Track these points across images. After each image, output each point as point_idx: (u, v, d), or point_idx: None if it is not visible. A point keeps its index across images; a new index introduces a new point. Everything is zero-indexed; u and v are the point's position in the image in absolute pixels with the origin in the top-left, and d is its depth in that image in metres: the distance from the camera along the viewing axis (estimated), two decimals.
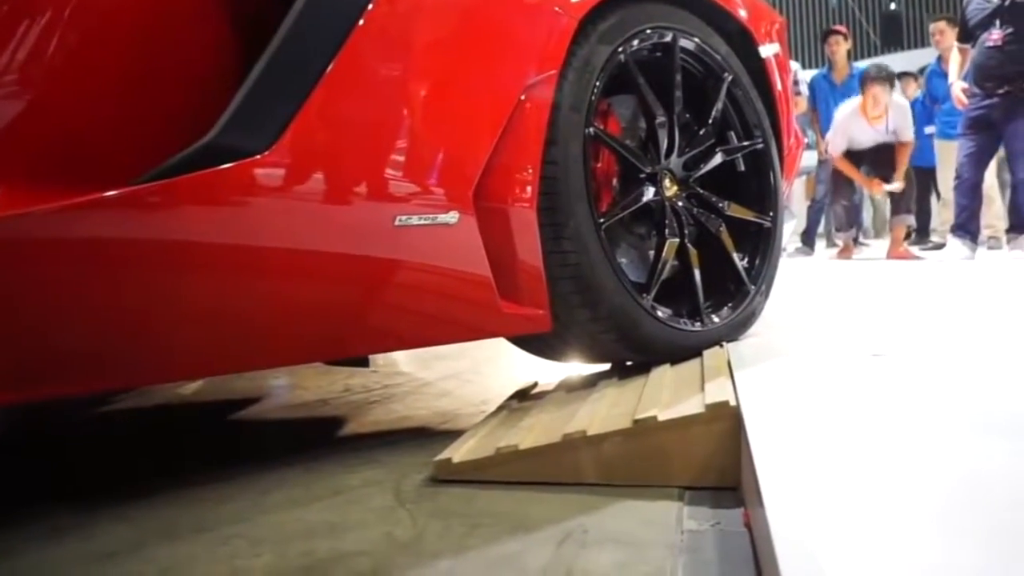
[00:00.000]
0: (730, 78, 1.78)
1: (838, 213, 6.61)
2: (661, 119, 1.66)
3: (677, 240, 1.63)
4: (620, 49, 1.56)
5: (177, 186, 1.07)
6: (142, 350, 1.13)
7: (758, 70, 1.93)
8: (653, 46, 1.66)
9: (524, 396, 1.60)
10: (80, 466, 1.59)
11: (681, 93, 1.69)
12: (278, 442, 1.67)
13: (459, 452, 1.25)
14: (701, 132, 1.76)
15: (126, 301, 1.09)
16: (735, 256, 1.76)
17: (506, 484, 1.20)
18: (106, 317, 1.09)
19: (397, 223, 1.24)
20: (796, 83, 6.64)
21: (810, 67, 10.36)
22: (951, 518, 0.74)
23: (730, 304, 1.74)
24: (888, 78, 6.00)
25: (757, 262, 1.83)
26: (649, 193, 1.62)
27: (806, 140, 8.30)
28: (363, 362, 1.50)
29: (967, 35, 5.36)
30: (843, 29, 7.14)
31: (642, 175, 1.63)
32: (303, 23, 1.16)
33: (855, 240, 7.11)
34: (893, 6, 14.39)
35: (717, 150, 1.78)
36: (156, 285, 1.10)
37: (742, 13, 1.89)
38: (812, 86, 7.19)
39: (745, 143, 1.84)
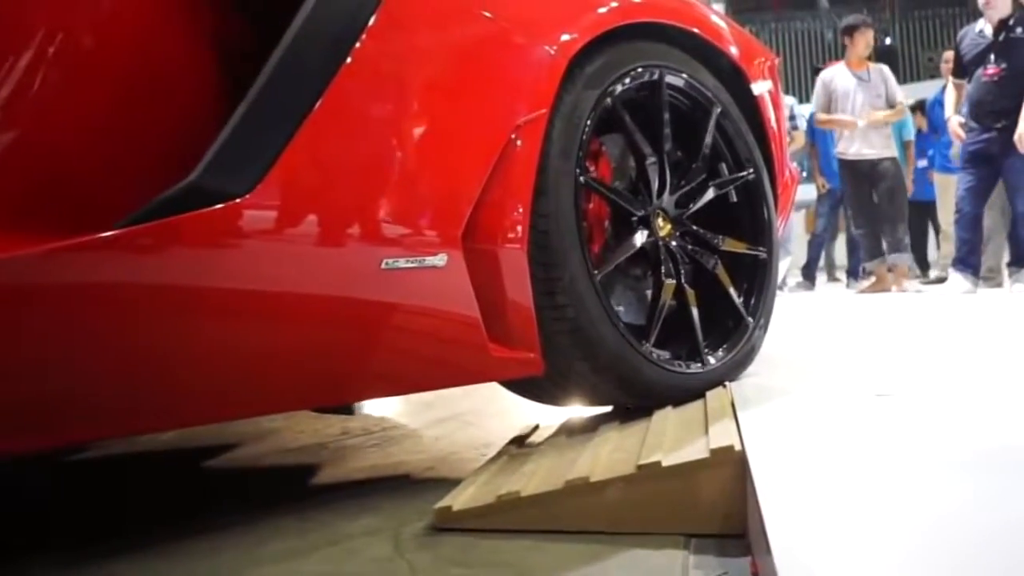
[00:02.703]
0: (719, 110, 1.75)
1: (863, 242, 6.28)
2: (651, 159, 1.64)
3: (673, 281, 1.60)
4: (609, 90, 1.54)
5: (158, 230, 1.05)
6: (122, 398, 1.10)
7: (751, 107, 1.91)
8: (640, 85, 1.63)
9: (524, 440, 1.57)
10: (64, 516, 1.56)
11: (670, 130, 1.67)
12: (274, 489, 1.64)
13: (459, 499, 1.23)
14: (692, 167, 1.73)
15: (106, 347, 1.06)
16: (732, 292, 1.73)
17: (507, 532, 1.18)
18: (87, 363, 1.06)
19: (384, 266, 1.22)
20: (792, 117, 6.65)
21: (807, 101, 10.43)
22: (969, 568, 0.72)
23: (729, 341, 1.71)
24: (865, 23, 6.15)
25: (754, 297, 1.80)
26: (642, 236, 1.59)
27: (804, 173, 8.32)
28: (347, 409, 1.47)
29: (962, 70, 5.39)
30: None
31: (634, 218, 1.60)
32: (289, 61, 1.14)
33: (852, 273, 7.06)
34: (888, 40, 14.53)
35: (709, 184, 1.75)
36: (136, 330, 1.08)
37: (733, 51, 1.87)
38: (811, 120, 7.22)
39: (737, 175, 1.80)
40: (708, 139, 1.74)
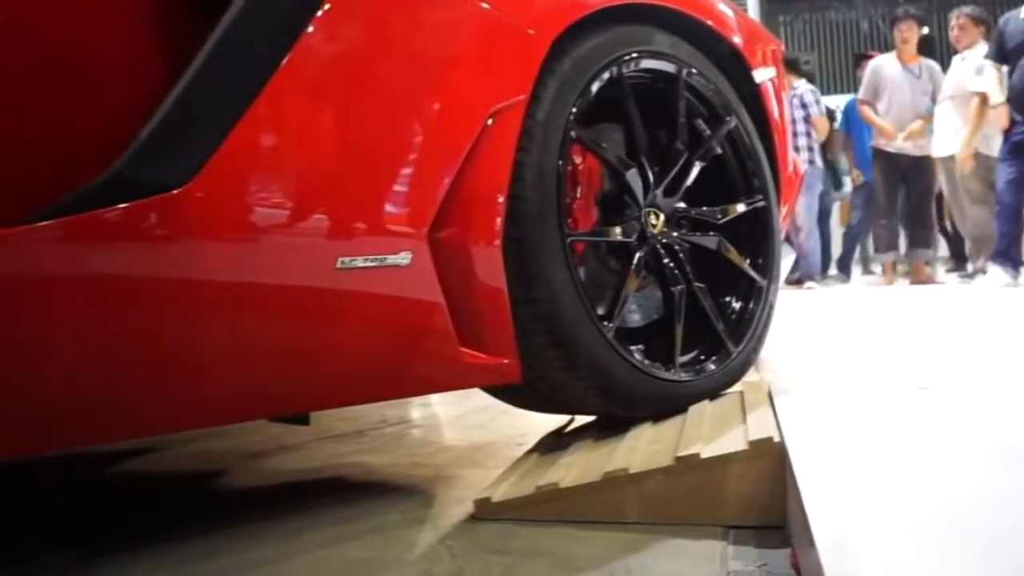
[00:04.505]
0: (685, 71, 1.61)
1: (877, 233, 6.39)
2: (632, 169, 1.52)
3: (682, 286, 1.54)
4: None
5: (75, 225, 0.93)
6: (29, 407, 0.98)
7: (752, 96, 1.80)
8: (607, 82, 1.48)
9: (561, 431, 1.58)
10: (103, 509, 1.59)
11: (640, 122, 1.53)
12: (314, 477, 1.66)
13: (498, 491, 1.24)
14: (673, 148, 1.60)
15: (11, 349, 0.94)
16: (746, 266, 1.67)
17: (546, 521, 1.19)
18: None
19: (339, 265, 1.10)
20: (805, 106, 6.48)
21: (842, 92, 10.29)
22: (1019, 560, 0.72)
23: (745, 320, 1.65)
24: (915, 17, 6.12)
25: (762, 256, 1.71)
26: (642, 251, 1.50)
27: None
28: (303, 419, 1.41)
29: (1004, 56, 5.26)
30: (875, 54, 7.08)
31: (631, 243, 1.51)
32: (234, 38, 1.02)
33: (895, 264, 6.98)
34: (926, 30, 14.31)
35: (694, 160, 1.63)
36: (43, 334, 0.96)
37: (736, 40, 1.75)
38: (847, 111, 7.13)
39: (718, 129, 1.67)
40: (682, 119, 1.60)
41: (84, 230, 0.95)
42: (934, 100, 6.06)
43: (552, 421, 1.66)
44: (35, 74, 1.00)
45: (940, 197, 6.78)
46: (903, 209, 6.36)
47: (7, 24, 0.99)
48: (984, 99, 5.36)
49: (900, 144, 6.05)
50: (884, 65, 6.21)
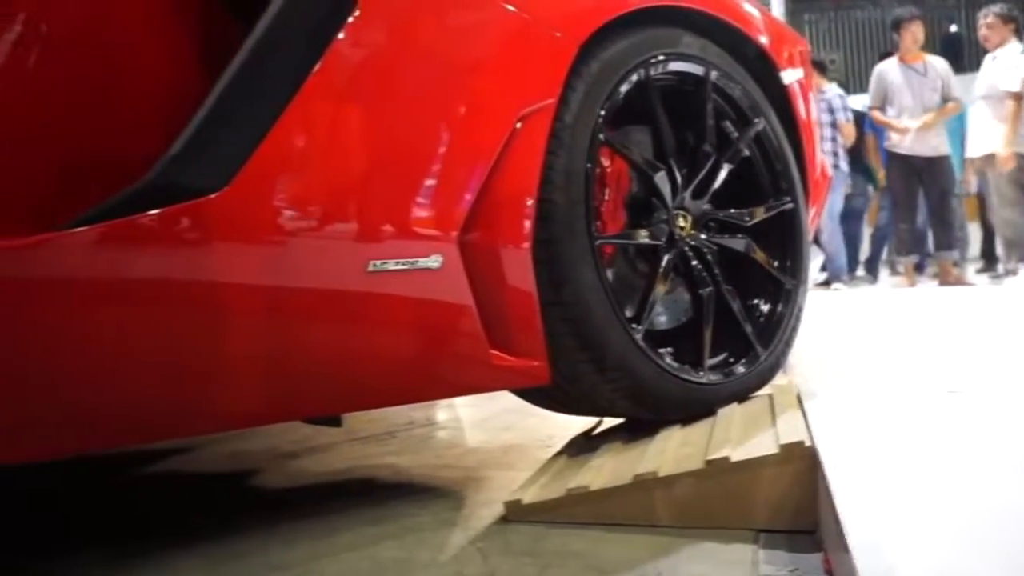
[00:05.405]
0: (713, 73, 1.60)
1: (899, 237, 6.38)
2: (660, 172, 1.52)
3: (711, 288, 1.53)
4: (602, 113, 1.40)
5: (113, 231, 0.95)
6: (68, 413, 0.99)
7: (780, 97, 1.79)
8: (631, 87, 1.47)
9: (590, 433, 1.59)
10: (135, 509, 1.61)
11: (668, 124, 1.53)
12: (344, 478, 1.68)
13: (529, 493, 1.25)
14: (700, 152, 1.59)
15: (46, 357, 0.96)
16: (772, 268, 1.66)
17: (577, 524, 1.19)
18: (23, 373, 0.95)
19: (371, 268, 1.12)
20: (832, 111, 6.42)
21: (868, 92, 10.16)
22: None
23: (772, 323, 1.64)
24: (920, 17, 6.02)
25: (790, 258, 1.70)
26: (671, 253, 1.50)
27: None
28: (335, 421, 1.39)
29: None
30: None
31: (660, 245, 1.50)
32: (267, 45, 1.05)
33: (918, 267, 6.92)
34: (953, 28, 14.11)
35: (723, 162, 1.62)
36: (82, 339, 0.97)
37: (763, 41, 1.74)
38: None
39: (745, 131, 1.65)
40: (710, 121, 1.59)
41: (122, 235, 0.97)
42: (943, 96, 5.98)
43: (580, 423, 1.66)
44: (73, 81, 1.03)
45: (981, 197, 6.72)
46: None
47: (47, 32, 1.01)
48: (1019, 98, 5.29)
49: (912, 146, 5.97)
50: (888, 70, 6.14)
